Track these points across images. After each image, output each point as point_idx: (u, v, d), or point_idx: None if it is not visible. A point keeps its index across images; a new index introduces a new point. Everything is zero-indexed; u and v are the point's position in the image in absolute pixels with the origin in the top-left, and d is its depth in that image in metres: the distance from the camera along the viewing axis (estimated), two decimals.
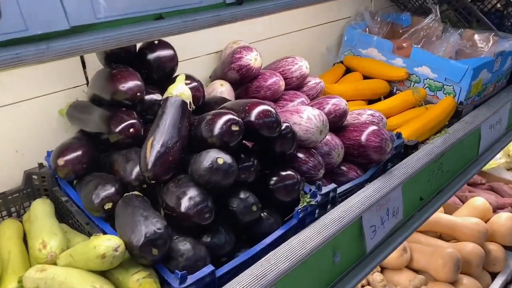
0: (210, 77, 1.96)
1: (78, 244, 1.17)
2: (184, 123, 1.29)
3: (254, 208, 1.26)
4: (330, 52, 2.57)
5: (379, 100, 2.27)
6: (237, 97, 1.86)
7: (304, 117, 1.48)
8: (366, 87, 2.25)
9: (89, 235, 1.32)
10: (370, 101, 2.27)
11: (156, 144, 1.23)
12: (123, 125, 1.34)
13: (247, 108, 1.31)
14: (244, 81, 1.84)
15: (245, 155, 1.32)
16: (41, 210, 1.36)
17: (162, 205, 1.22)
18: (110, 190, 1.27)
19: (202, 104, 1.59)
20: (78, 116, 1.48)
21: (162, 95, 1.50)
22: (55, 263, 1.18)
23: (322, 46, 2.57)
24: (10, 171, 1.48)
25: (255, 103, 1.33)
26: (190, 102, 1.31)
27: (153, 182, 1.24)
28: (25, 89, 1.48)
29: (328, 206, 1.50)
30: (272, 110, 1.31)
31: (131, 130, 1.35)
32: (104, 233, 1.26)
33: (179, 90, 1.30)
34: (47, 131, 1.55)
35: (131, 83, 1.36)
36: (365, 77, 2.38)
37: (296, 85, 1.91)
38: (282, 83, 1.81)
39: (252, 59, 1.76)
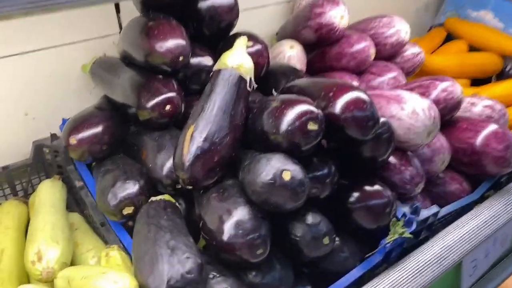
0: (276, 34, 1.53)
1: (79, 267, 0.85)
2: (240, 109, 0.90)
3: (326, 240, 0.89)
4: (427, 11, 2.04)
5: (488, 80, 1.77)
6: (309, 64, 1.44)
7: (407, 109, 1.05)
8: (473, 62, 1.76)
9: (103, 239, 1.01)
10: (475, 81, 1.78)
11: (197, 136, 0.86)
12: (157, 99, 0.98)
13: (331, 94, 0.91)
14: (322, 43, 1.40)
15: (319, 159, 0.94)
16: (47, 198, 1.05)
17: (199, 222, 0.88)
18: (132, 189, 0.94)
19: (264, 74, 1.19)
20: (103, 77, 1.13)
21: (214, 58, 1.12)
22: (52, 281, 0.88)
23: (417, 2, 2.04)
24: (17, 138, 1.18)
25: (342, 87, 0.91)
26: (251, 78, 0.92)
27: (190, 187, 0.89)
28: (41, 36, 1.14)
29: (422, 232, 1.11)
30: (367, 100, 0.89)
31: (168, 107, 0.99)
32: (121, 244, 0.95)
33: (238, 60, 0.90)
34: (66, 91, 1.22)
35: (172, 42, 0.97)
36: (471, 48, 1.86)
37: (388, 54, 1.46)
38: (372, 52, 1.37)
39: (338, 17, 1.32)
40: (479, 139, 1.18)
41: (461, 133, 1.21)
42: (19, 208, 1.10)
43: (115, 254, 0.89)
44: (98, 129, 1.03)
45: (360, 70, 1.40)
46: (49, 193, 1.06)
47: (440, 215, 1.11)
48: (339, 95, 0.90)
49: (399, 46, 1.43)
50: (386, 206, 0.97)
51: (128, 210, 0.93)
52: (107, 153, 1.05)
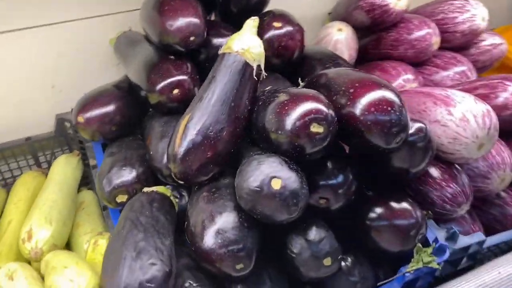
0: (329, 14, 1.37)
1: (60, 254, 0.81)
2: (243, 100, 0.79)
3: (328, 261, 0.76)
4: None
5: None
6: (363, 51, 1.27)
7: (455, 114, 0.86)
8: None
9: (105, 223, 0.98)
10: None
11: (191, 127, 0.77)
12: (165, 82, 0.90)
13: (351, 91, 0.76)
14: (377, 27, 1.22)
15: (335, 164, 0.80)
16: (56, 174, 1.05)
17: (185, 221, 0.79)
18: (127, 177, 0.88)
19: (298, 58, 1.05)
20: (123, 54, 1.07)
21: None
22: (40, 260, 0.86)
23: None
24: (43, 110, 1.17)
25: (366, 84, 0.76)
26: (259, 66, 0.80)
27: (182, 182, 0.81)
28: (71, 7, 1.11)
29: (463, 261, 0.93)
30: (395, 101, 0.73)
31: (176, 91, 0.91)
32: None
33: (244, 44, 0.79)
34: (94, 64, 1.19)
35: (182, 21, 0.88)
36: None
37: (459, 44, 1.23)
38: (435, 40, 1.16)
39: None
40: None
41: None
42: (36, 179, 1.10)
43: (103, 243, 0.85)
44: (108, 109, 0.98)
45: (420, 60, 1.20)
46: (60, 170, 1.05)
47: (488, 244, 0.92)
48: (360, 93, 0.75)
49: (472, 35, 1.20)
50: (411, 228, 0.81)
51: (122, 198, 0.87)
52: (118, 134, 1.01)
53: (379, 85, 0.75)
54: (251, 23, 0.80)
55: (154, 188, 0.85)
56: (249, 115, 0.81)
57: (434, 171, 0.90)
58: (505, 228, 1.01)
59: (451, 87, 1.11)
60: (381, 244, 0.83)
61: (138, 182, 0.88)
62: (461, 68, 1.19)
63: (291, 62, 1.05)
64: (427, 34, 1.15)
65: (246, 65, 0.78)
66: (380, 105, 0.73)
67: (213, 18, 1.13)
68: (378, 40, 1.24)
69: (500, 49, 1.25)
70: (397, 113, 0.72)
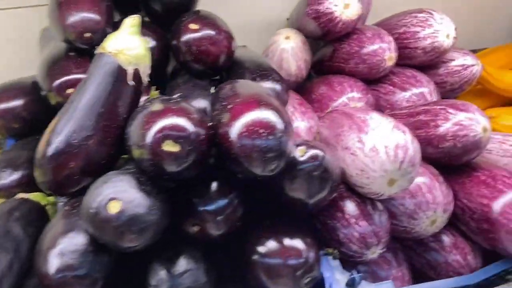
0: (287, 19, 1.27)
1: None
2: (117, 107, 0.71)
3: None
4: None
5: None
6: (318, 63, 1.17)
7: (366, 143, 0.75)
8: None
9: None
10: None
11: (56, 132, 0.70)
12: (59, 80, 0.84)
13: (229, 107, 0.66)
14: (328, 38, 1.11)
15: (214, 188, 0.71)
16: None
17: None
18: (6, 179, 0.83)
19: (227, 65, 0.96)
20: (41, 49, 1.02)
21: (162, 38, 0.94)
22: None
23: None
24: None
25: (248, 100, 0.66)
26: (137, 69, 0.72)
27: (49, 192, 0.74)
28: None
29: None
30: (274, 123, 0.62)
31: (70, 91, 0.84)
32: None
33: (119, 44, 0.70)
34: (26, 55, 1.13)
35: (76, 16, 0.82)
36: None
37: (422, 61, 1.10)
38: (389, 56, 1.04)
39: (340, 4, 1.01)
40: (498, 202, 0.81)
41: (475, 187, 0.85)
42: None
43: None
44: (11, 104, 0.93)
45: (374, 77, 1.08)
46: None
47: None
48: (236, 111, 0.65)
49: (434, 53, 1.06)
50: (297, 269, 0.70)
51: None
52: (23, 132, 0.95)
53: (258, 103, 0.65)
54: (129, 22, 0.72)
55: (28, 195, 0.79)
56: (124, 122, 0.72)
57: (346, 205, 0.79)
58: (438, 276, 0.88)
59: (400, 109, 0.99)
60: (263, 283, 0.72)
61: (18, 187, 0.82)
62: (420, 89, 1.06)
63: (218, 68, 0.95)
64: (379, 49, 1.03)
65: (119, 68, 0.70)
66: (253, 126, 0.62)
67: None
68: (332, 52, 1.13)
69: (471, 71, 1.11)
70: (271, 137, 0.62)
